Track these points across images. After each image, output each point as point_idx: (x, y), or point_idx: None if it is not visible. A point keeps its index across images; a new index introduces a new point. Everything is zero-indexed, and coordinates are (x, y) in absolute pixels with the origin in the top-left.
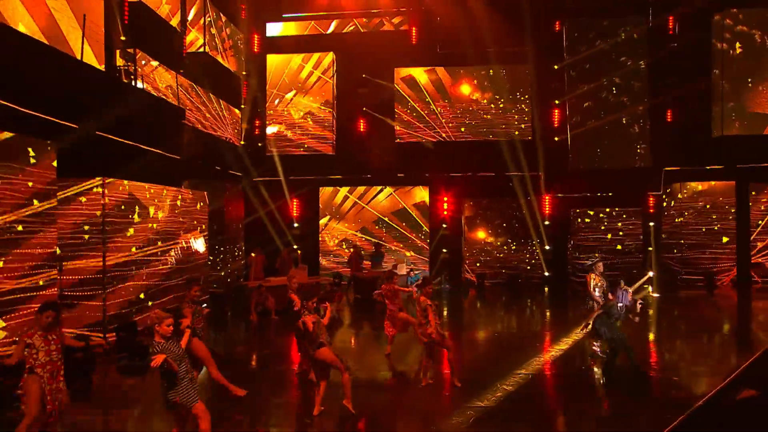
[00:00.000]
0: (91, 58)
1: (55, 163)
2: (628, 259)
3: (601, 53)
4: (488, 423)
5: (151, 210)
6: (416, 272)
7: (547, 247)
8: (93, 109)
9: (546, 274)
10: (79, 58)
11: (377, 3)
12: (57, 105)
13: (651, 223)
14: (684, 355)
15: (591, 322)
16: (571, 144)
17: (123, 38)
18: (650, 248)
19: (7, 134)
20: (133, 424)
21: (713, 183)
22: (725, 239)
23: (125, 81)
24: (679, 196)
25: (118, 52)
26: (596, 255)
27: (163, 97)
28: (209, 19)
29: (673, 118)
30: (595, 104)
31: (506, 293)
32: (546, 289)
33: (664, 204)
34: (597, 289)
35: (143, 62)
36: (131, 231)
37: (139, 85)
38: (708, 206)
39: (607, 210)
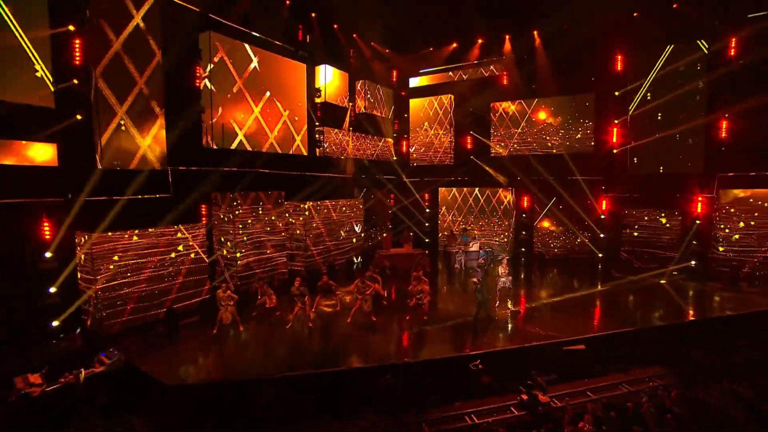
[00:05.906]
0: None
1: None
2: (666, 251)
3: (660, 77)
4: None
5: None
6: (484, 250)
7: (602, 235)
8: (301, 168)
9: (600, 255)
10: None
11: (476, 56)
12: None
13: (697, 221)
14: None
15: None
16: (630, 153)
17: (317, 124)
18: (694, 242)
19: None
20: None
21: (756, 190)
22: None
23: (318, 147)
24: (722, 200)
25: (315, 129)
26: (503, 254)
27: (341, 149)
28: (367, 89)
29: (728, 130)
30: (652, 120)
31: (560, 266)
32: (594, 265)
33: (715, 206)
34: (504, 275)
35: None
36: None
37: (326, 145)
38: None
39: (657, 209)
